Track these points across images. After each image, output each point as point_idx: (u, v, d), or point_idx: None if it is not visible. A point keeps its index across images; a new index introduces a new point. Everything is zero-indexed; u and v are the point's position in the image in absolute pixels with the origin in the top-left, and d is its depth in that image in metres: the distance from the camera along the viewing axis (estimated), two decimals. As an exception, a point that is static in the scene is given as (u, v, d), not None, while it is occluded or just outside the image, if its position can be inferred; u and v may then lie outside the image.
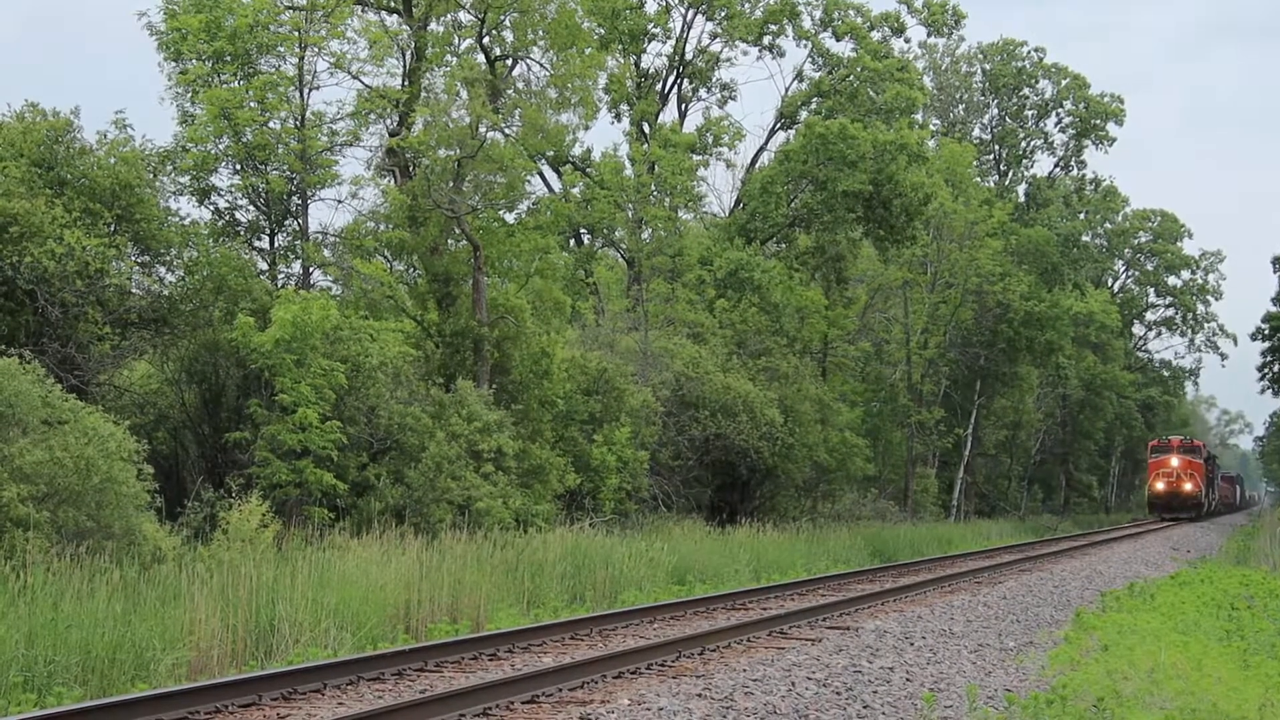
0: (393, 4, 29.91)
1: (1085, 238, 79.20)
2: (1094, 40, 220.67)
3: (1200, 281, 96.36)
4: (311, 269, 27.27)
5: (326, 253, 27.71)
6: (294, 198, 26.93)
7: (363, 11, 29.16)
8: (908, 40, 49.57)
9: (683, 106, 46.00)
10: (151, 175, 24.63)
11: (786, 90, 47.45)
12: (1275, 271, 67.05)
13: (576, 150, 43.19)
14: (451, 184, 28.65)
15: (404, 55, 29.08)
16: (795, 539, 32.42)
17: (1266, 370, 69.99)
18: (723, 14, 44.55)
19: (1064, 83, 72.44)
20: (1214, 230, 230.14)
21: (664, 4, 45.04)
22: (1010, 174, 74.08)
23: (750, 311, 42.62)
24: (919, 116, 50.05)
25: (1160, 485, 72.97)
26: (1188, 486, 72.45)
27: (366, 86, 28.09)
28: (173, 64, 26.68)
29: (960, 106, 72.21)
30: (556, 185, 43.36)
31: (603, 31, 41.09)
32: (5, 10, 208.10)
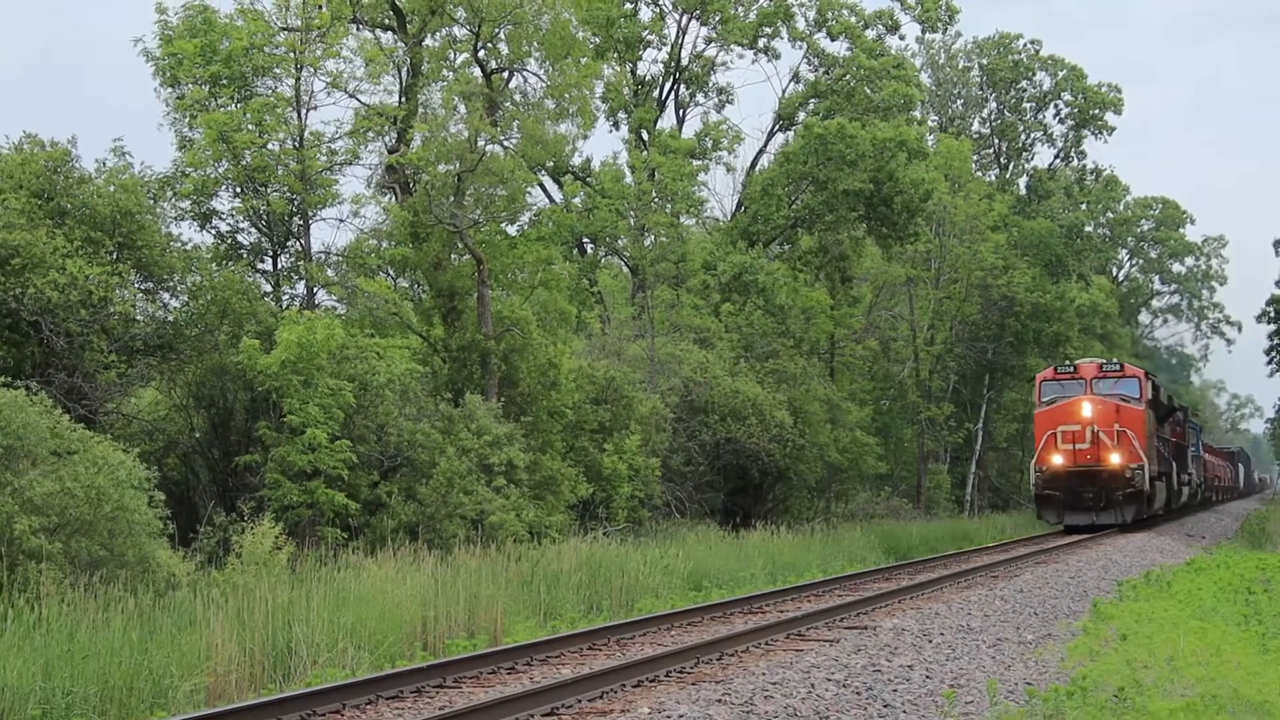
0: (387, 21, 29.93)
1: (1088, 228, 79.13)
2: (1095, 30, 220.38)
3: (1204, 267, 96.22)
4: (315, 289, 27.28)
5: (330, 272, 27.72)
6: (295, 218, 26.95)
7: (358, 30, 29.18)
8: (903, 37, 49.52)
9: (681, 112, 45.99)
10: (152, 201, 24.65)
11: (783, 92, 47.45)
12: (1278, 254, 66.91)
13: (576, 160, 43.20)
14: (452, 198, 28.64)
15: (400, 72, 29.10)
16: (810, 540, 32.38)
17: (1274, 352, 69.80)
18: (717, 18, 44.55)
19: (1061, 74, 72.37)
20: (1217, 215, 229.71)
21: (658, 11, 45.06)
22: (1011, 167, 74.01)
23: (756, 314, 42.58)
24: (917, 113, 49.99)
25: (1058, 459, 40.04)
26: (1114, 458, 39.52)
27: (364, 105, 28.12)
28: (169, 89, 26.73)
29: (958, 102, 72.17)
30: (558, 196, 43.36)
31: (598, 40, 41.09)
32: (16, 43, 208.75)
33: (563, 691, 11.90)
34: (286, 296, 27.19)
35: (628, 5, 44.10)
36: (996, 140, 73.57)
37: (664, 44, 45.17)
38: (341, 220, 28.87)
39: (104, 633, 14.01)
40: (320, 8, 27.39)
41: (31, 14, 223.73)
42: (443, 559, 20.88)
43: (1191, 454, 59.38)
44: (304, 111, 27.05)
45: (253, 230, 27.07)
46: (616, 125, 44.91)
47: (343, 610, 16.61)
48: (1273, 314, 68.34)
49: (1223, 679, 12.84)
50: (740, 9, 44.92)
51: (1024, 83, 72.34)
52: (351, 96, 28.03)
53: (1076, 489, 40.00)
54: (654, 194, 39.93)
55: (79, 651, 13.29)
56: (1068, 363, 44.06)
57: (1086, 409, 39.97)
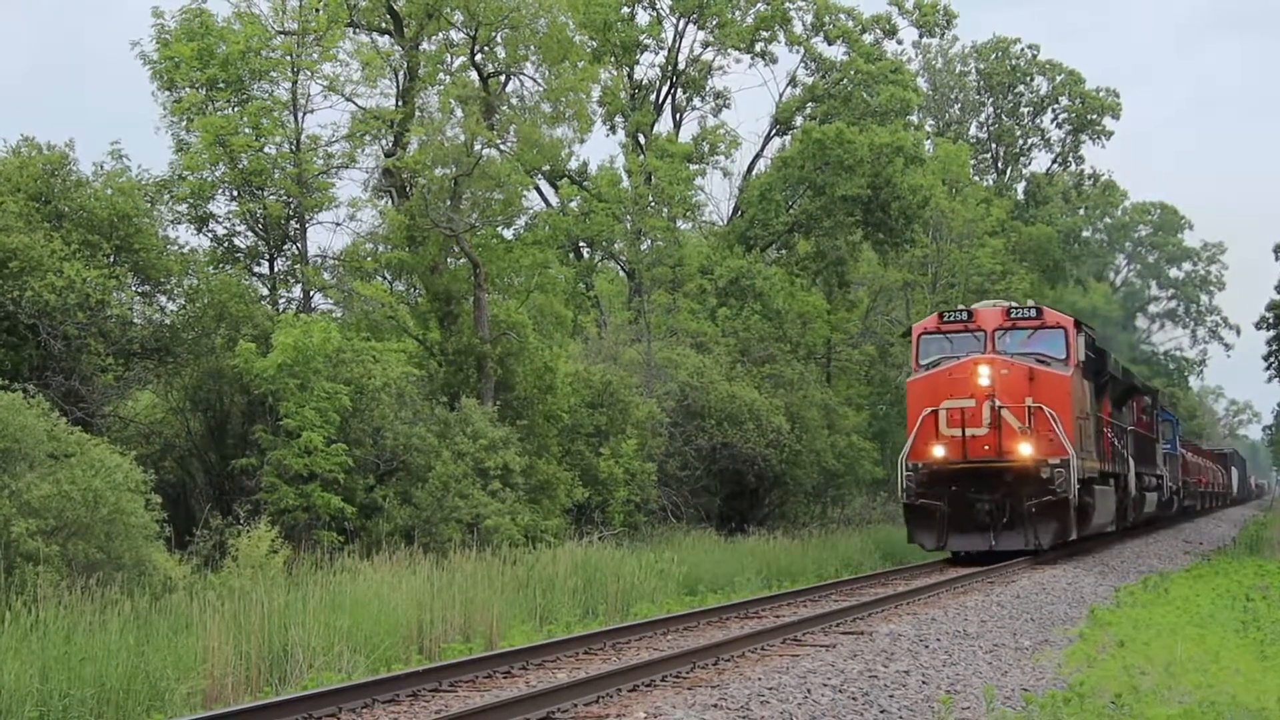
0: (384, 25, 29.92)
1: (1085, 233, 79.18)
2: (1093, 34, 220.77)
3: (1202, 273, 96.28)
4: (312, 292, 27.26)
5: (326, 276, 27.70)
6: (292, 222, 26.93)
7: (354, 33, 29.17)
8: (900, 42, 49.55)
9: (678, 116, 45.99)
10: (149, 204, 24.63)
11: (780, 96, 47.46)
12: (1278, 259, 66.94)
13: (573, 164, 43.19)
14: (449, 202, 28.63)
15: (397, 76, 29.09)
16: (806, 545, 32.36)
17: (1272, 358, 69.79)
18: (714, 22, 44.55)
19: (1059, 79, 72.44)
20: (1216, 220, 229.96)
21: (655, 15, 45.07)
22: (1008, 172, 74.06)
23: (753, 319, 42.56)
24: (914, 117, 50.03)
25: (939, 450, 28.17)
26: (1023, 449, 27.78)
27: (360, 108, 28.10)
28: (166, 93, 26.71)
29: (956, 106, 72.22)
30: (554, 200, 43.35)
31: (595, 44, 41.07)
32: (14, 49, 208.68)
33: (558, 695, 11.89)
34: (283, 300, 27.17)
35: (625, 9, 44.11)
36: (994, 145, 73.60)
37: (661, 48, 45.21)
38: (338, 224, 28.84)
39: (101, 635, 13.99)
40: (317, 11, 27.38)
41: (30, 22, 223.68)
42: (439, 563, 20.87)
43: (1164, 451, 48.13)
44: (301, 115, 27.05)
45: (249, 233, 27.05)
46: (613, 129, 44.94)
47: (339, 614, 16.59)
48: (1272, 320, 68.31)
49: (1221, 686, 12.83)
50: (737, 13, 44.93)
51: (1021, 87, 72.39)
52: (348, 100, 28.02)
53: (967, 497, 27.56)
54: (651, 198, 39.92)
55: (76, 654, 13.27)
56: (959, 309, 30.21)
57: (984, 375, 27.39)
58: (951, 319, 29.30)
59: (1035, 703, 11.79)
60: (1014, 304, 30.40)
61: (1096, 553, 32.44)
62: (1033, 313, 29.36)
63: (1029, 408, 27.49)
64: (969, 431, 27.62)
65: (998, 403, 27.43)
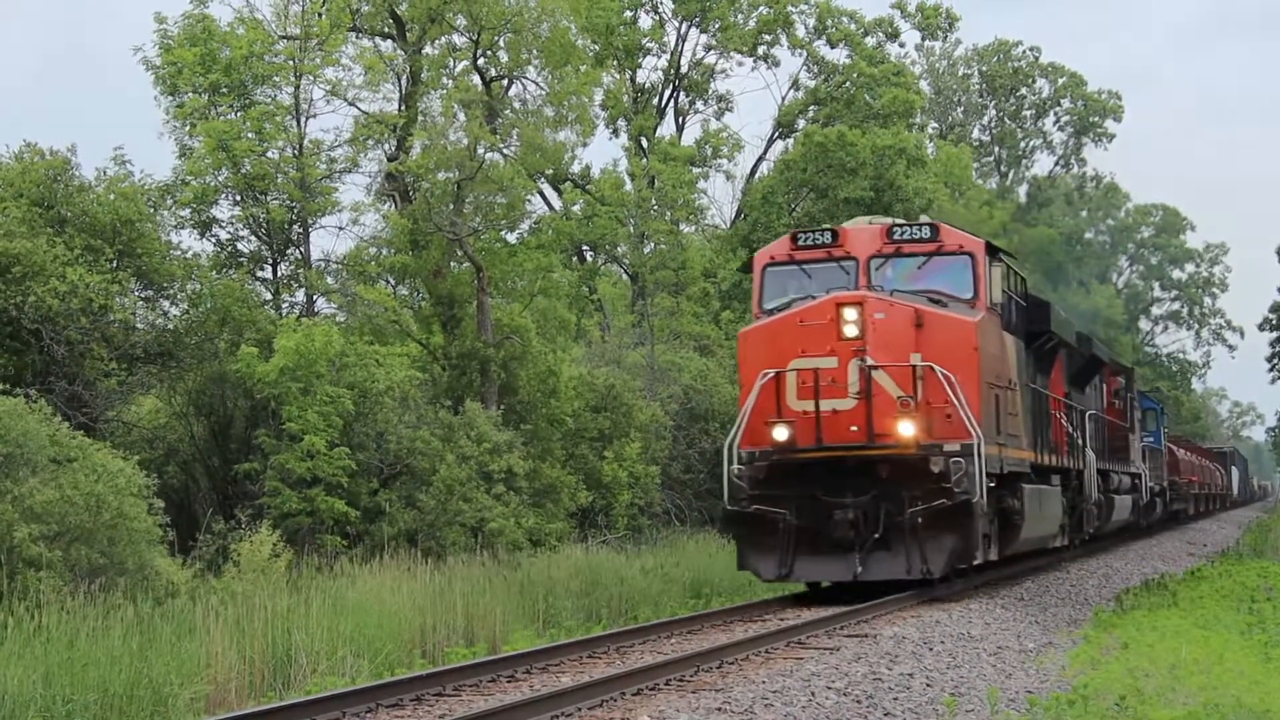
0: (387, 29, 29.94)
1: (1088, 235, 79.20)
2: (1097, 38, 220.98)
3: (1205, 274, 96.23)
4: (315, 297, 27.28)
5: (329, 280, 27.72)
6: (295, 226, 26.96)
7: (357, 38, 29.20)
8: (902, 45, 49.58)
9: (680, 120, 46.03)
10: (152, 209, 24.67)
11: (783, 99, 47.48)
12: (1280, 261, 66.95)
13: (576, 167, 43.19)
14: (452, 206, 28.64)
15: (399, 80, 29.10)
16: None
17: (1276, 360, 69.76)
18: (716, 26, 44.59)
19: (1061, 81, 72.55)
20: (1219, 221, 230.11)
21: (658, 18, 45.12)
22: (1011, 174, 74.10)
23: (756, 322, 42.46)
24: (918, 120, 50.05)
25: (781, 432, 19.51)
26: (904, 428, 19.16)
27: (363, 112, 28.14)
28: (169, 98, 26.74)
29: (959, 109, 72.24)
30: (557, 203, 43.36)
31: (597, 48, 41.10)
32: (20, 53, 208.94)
33: (562, 700, 11.88)
34: (286, 304, 27.21)
35: (627, 13, 44.14)
36: (996, 148, 73.65)
37: (664, 51, 45.25)
38: (341, 228, 28.88)
39: (104, 640, 14.00)
40: (319, 16, 27.41)
41: (32, 28, 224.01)
42: (441, 567, 20.87)
43: (1144, 444, 40.99)
44: (303, 119, 27.09)
45: (252, 238, 27.08)
46: (616, 133, 44.97)
47: (342, 618, 16.59)
48: (1275, 321, 68.36)
49: (1225, 688, 12.81)
50: (740, 16, 44.96)
51: (1024, 90, 72.46)
52: (351, 104, 28.06)
53: (823, 501, 19.51)
54: (654, 201, 39.94)
55: (79, 659, 13.27)
56: (821, 228, 22.62)
57: (850, 321, 19.37)
58: (809, 242, 20.68)
59: (1040, 705, 11.78)
60: (899, 221, 22.37)
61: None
62: (925, 232, 20.54)
63: (916, 369, 19.13)
64: (827, 404, 19.22)
65: (869, 361, 19.08)
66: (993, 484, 19.98)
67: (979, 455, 18.98)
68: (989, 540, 20.35)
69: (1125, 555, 33.79)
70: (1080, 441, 28.26)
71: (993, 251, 21.14)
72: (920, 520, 18.97)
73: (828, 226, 22.59)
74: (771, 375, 19.67)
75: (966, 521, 19.11)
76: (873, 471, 19.35)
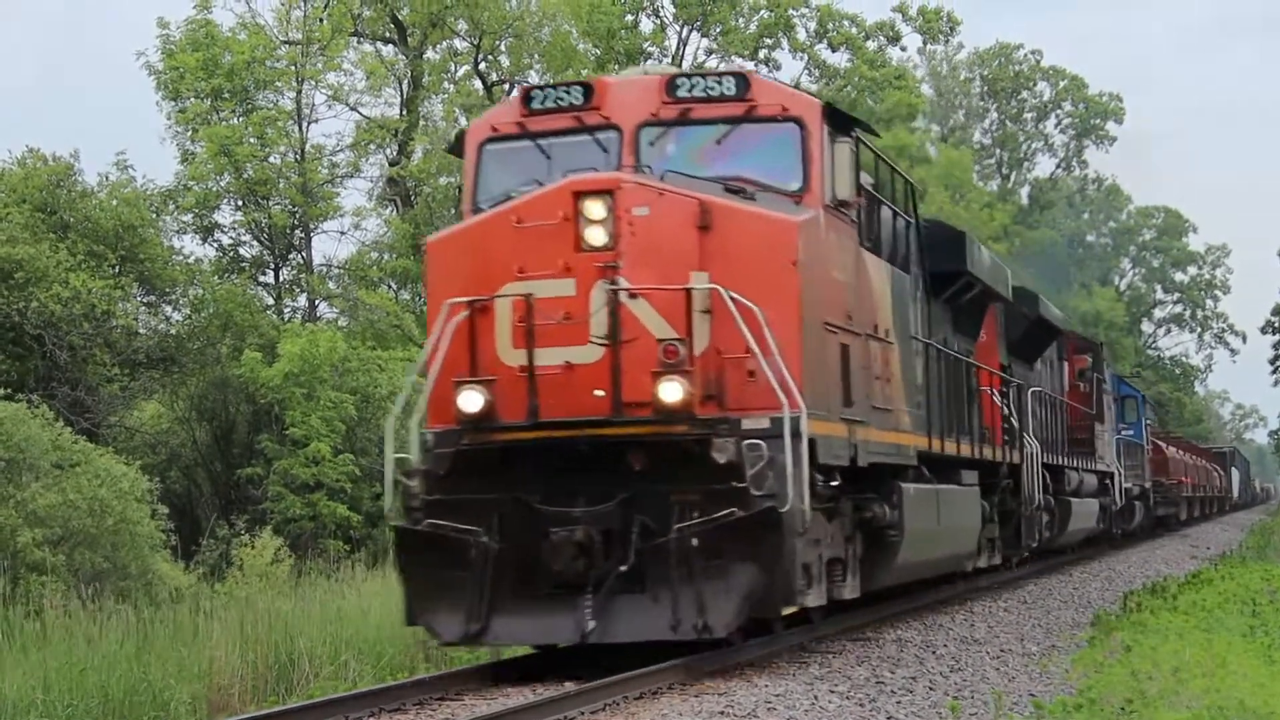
0: (388, 34, 29.99)
1: (1089, 237, 79.21)
2: (1097, 42, 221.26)
3: (1207, 276, 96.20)
4: (317, 301, 27.32)
5: (331, 285, 27.76)
6: (297, 231, 27.02)
7: (359, 43, 29.26)
8: (904, 49, 49.69)
9: (682, 124, 46.01)
10: (154, 215, 24.71)
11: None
12: (1283, 263, 66.87)
13: (578, 172, 43.20)
14: (453, 210, 28.66)
15: (401, 84, 29.18)
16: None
17: (1278, 362, 69.76)
18: (718, 30, 44.63)
19: (1062, 84, 72.57)
20: (1222, 224, 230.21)
21: (659, 22, 45.15)
22: (1012, 177, 74.14)
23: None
24: (920, 123, 50.14)
25: (473, 401, 11.73)
26: (669, 391, 11.42)
27: (365, 117, 28.19)
28: (171, 103, 26.78)
29: (960, 112, 72.29)
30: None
31: (599, 52, 41.13)
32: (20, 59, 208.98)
33: (565, 704, 11.86)
34: (288, 309, 27.25)
35: (628, 17, 44.17)
36: (998, 150, 73.66)
37: (665, 55, 45.22)
38: (343, 233, 28.97)
39: (105, 645, 14.00)
40: (321, 21, 27.46)
41: (34, 32, 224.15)
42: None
43: (1119, 437, 35.88)
44: (305, 124, 27.18)
45: (254, 243, 27.14)
46: (618, 136, 44.94)
47: (344, 622, 16.59)
48: (1277, 324, 68.37)
49: (1228, 690, 12.80)
50: (741, 20, 45.00)
51: (1025, 93, 72.49)
52: (353, 109, 28.14)
53: (540, 513, 12.14)
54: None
55: (79, 664, 13.27)
56: (572, 82, 14.29)
57: (594, 221, 12.01)
58: (549, 103, 13.19)
59: (1044, 709, 11.77)
60: (685, 71, 16.80)
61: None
62: (728, 86, 13.13)
63: (694, 295, 12.02)
64: (551, 354, 12.15)
65: (622, 284, 12.02)
66: (838, 482, 13.06)
67: (795, 436, 11.63)
68: (837, 570, 13.73)
69: (1128, 559, 33.78)
70: (1019, 427, 21.47)
71: (839, 121, 13.54)
72: (695, 543, 11.75)
73: (579, 80, 15.48)
74: (465, 308, 12.16)
75: (772, 545, 11.77)
76: (620, 463, 12.08)
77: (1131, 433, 39.46)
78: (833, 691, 12.69)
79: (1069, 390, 29.22)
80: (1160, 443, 49.40)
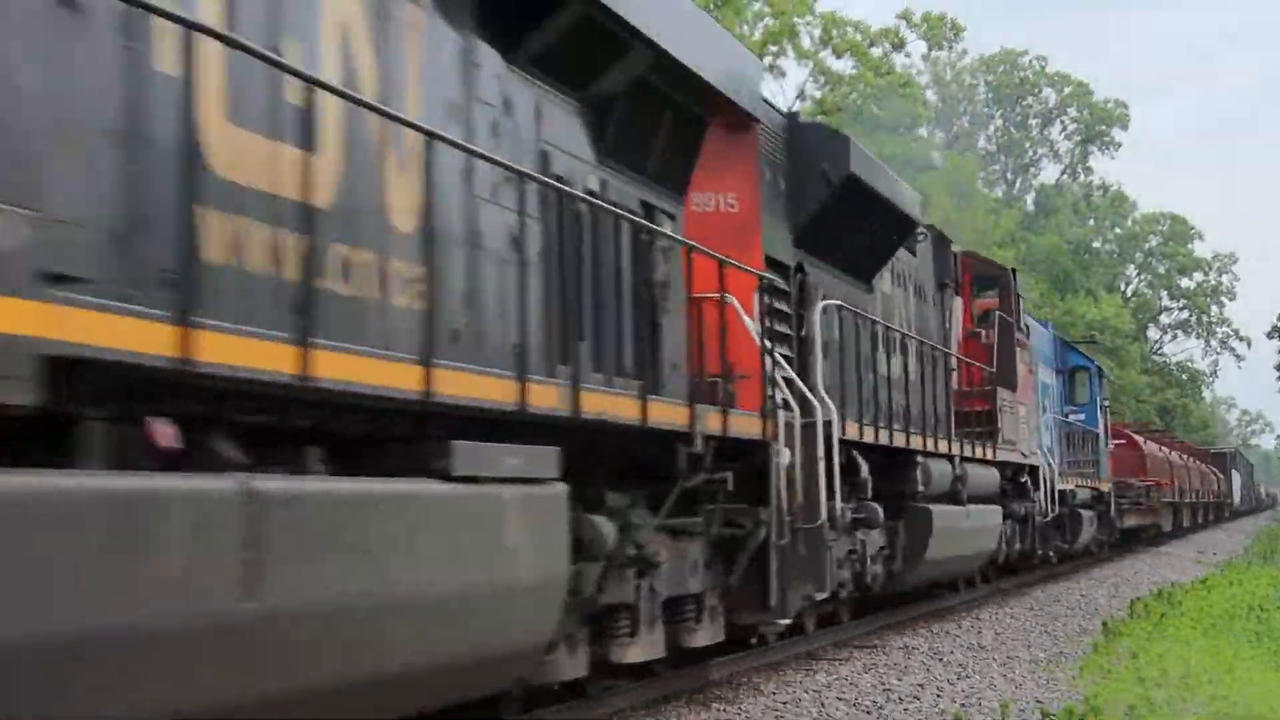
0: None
1: (1095, 244, 79.20)
2: (1101, 51, 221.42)
3: (1214, 283, 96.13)
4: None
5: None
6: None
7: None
8: (908, 55, 49.74)
9: (687, 131, 46.13)
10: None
11: (790, 110, 47.62)
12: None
13: (582, 179, 43.34)
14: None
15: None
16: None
17: (1284, 368, 69.71)
18: (722, 37, 44.72)
19: (1067, 90, 72.63)
20: (1229, 231, 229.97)
21: (663, 30, 45.26)
22: (1017, 183, 74.17)
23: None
24: (924, 130, 50.21)
25: None
26: None
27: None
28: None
29: (965, 118, 72.32)
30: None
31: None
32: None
33: (573, 713, 11.87)
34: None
35: (634, 25, 44.30)
36: (1003, 156, 73.66)
37: (670, 63, 45.37)
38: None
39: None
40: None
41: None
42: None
43: (1065, 421, 28.73)
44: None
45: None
46: (623, 144, 45.08)
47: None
48: (1282, 330, 68.32)
49: (1236, 696, 12.80)
50: (746, 27, 45.05)
51: (1030, 99, 72.49)
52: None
53: None
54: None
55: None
56: None
57: None
58: None
59: (1051, 716, 11.77)
60: None
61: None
62: None
63: None
64: None
65: None
66: None
67: None
68: None
69: (1134, 565, 33.77)
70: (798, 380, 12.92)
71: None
72: None
73: None
74: None
75: None
76: None
77: (1081, 415, 30.17)
78: (840, 699, 12.70)
79: (964, 342, 21.29)
80: (1135, 435, 42.29)
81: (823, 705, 12.39)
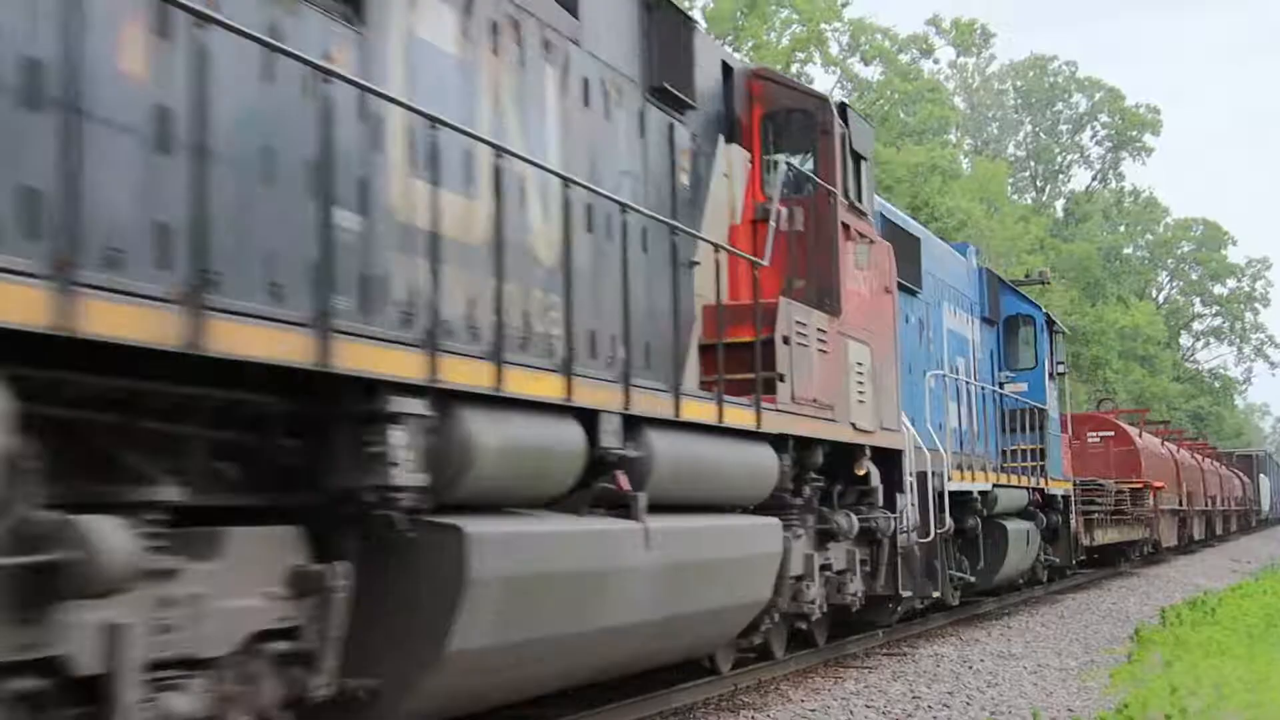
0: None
1: (1127, 250, 78.81)
2: (1132, 56, 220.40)
3: (1247, 289, 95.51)
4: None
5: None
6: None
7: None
8: (936, 61, 49.67)
9: (715, 138, 46.14)
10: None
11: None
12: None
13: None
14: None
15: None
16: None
17: (1319, 375, 69.05)
18: (750, 45, 44.65)
19: (1098, 96, 72.29)
20: (1264, 236, 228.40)
21: (691, 37, 45.28)
22: (1047, 189, 73.88)
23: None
24: (952, 137, 50.08)
25: None
26: None
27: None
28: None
29: (994, 125, 72.07)
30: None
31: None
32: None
33: (599, 720, 11.80)
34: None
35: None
36: (1032, 163, 73.38)
37: (697, 70, 45.36)
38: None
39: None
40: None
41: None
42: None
43: (961, 386, 19.51)
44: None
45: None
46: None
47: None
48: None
49: (1271, 705, 12.65)
50: (773, 34, 45.02)
51: (1060, 104, 72.21)
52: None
53: None
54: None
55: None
56: None
57: None
58: None
59: (1082, 724, 11.65)
60: None
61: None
62: None
63: None
64: None
65: None
66: None
67: None
68: None
69: (1166, 573, 33.50)
70: None
71: None
72: None
73: None
74: None
75: None
76: None
77: (1025, 388, 22.40)
78: (869, 707, 12.60)
79: (738, 229, 12.82)
80: (1128, 427, 34.76)
81: (850, 713, 12.29)
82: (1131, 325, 74.22)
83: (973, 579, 19.62)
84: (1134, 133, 73.27)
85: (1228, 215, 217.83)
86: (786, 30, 44.90)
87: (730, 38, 44.64)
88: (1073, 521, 25.42)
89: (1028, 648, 17.70)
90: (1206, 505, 43.78)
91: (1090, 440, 32.68)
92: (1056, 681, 14.88)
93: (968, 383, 20.03)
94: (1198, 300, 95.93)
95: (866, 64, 46.50)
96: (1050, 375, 24.16)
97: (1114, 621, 21.76)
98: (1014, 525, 21.01)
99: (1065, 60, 72.55)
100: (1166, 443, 39.52)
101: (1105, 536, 29.04)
